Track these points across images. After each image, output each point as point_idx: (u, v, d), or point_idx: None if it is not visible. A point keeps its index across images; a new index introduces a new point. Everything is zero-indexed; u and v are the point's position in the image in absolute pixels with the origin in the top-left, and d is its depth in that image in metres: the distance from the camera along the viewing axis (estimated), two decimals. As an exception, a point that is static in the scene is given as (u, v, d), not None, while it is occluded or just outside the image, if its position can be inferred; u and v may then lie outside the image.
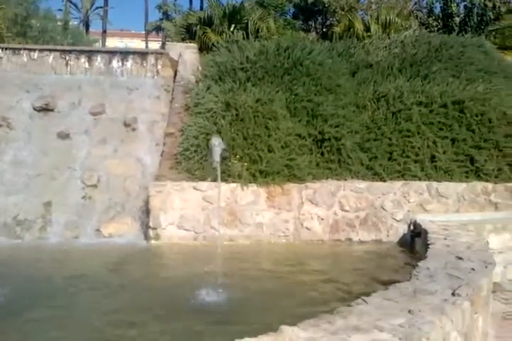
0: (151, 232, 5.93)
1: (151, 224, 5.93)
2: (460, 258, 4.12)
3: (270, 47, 7.66)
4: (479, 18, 17.08)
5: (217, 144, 5.14)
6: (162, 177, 6.13)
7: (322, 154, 6.63)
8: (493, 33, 17.57)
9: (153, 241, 5.91)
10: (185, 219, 5.95)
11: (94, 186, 6.52)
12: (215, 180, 5.76)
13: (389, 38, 9.29)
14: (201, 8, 19.49)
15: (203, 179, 6.01)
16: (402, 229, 6.23)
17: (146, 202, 6.06)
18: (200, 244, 5.82)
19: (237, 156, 6.16)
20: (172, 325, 3.56)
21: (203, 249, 5.49)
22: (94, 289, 4.36)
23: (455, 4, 17.43)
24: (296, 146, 6.51)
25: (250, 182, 6.09)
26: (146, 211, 6.06)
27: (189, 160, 6.26)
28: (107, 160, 6.75)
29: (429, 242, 4.81)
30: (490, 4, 17.58)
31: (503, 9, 17.68)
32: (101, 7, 38.09)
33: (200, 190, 5.96)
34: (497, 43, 13.90)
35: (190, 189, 5.97)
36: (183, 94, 7.12)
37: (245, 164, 6.15)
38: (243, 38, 9.71)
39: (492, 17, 17.18)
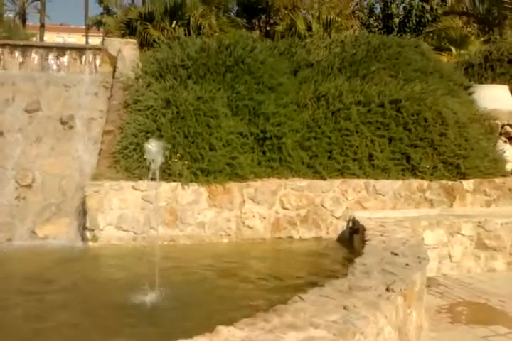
0: (88, 233, 5.78)
1: (88, 225, 5.78)
2: (395, 254, 4.23)
3: (212, 45, 7.60)
4: (418, 20, 17.61)
5: (154, 144, 5.06)
6: (100, 176, 5.98)
7: (264, 153, 6.65)
8: (431, 34, 18.16)
9: (90, 243, 5.75)
10: (123, 220, 5.83)
11: (29, 186, 6.30)
12: (154, 179, 5.67)
13: (330, 38, 9.43)
14: (143, 3, 19.19)
15: (143, 178, 5.91)
16: (342, 226, 6.34)
17: (83, 203, 5.89)
18: (140, 245, 5.70)
19: (178, 155, 6.09)
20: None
21: (142, 250, 5.39)
22: (20, 293, 4.21)
23: (395, 5, 17.89)
24: (237, 145, 6.49)
25: (191, 181, 6.03)
26: (83, 211, 5.89)
27: (128, 159, 6.14)
28: (43, 159, 6.52)
29: (366, 239, 4.91)
30: (428, 6, 18.16)
31: (440, 11, 18.30)
32: (38, 0, 36.87)
33: (140, 190, 5.85)
34: (433, 44, 14.36)
35: (129, 188, 5.85)
36: (122, 91, 6.97)
37: (186, 162, 6.08)
38: (185, 35, 9.62)
39: (430, 19, 17.73)
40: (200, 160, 6.17)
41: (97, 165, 6.29)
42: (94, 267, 5.23)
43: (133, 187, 5.87)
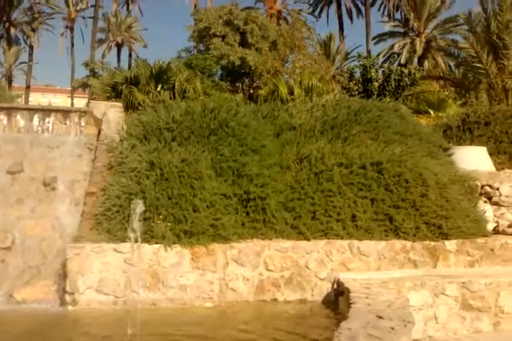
0: (67, 297, 5.63)
1: (67, 288, 5.64)
2: (381, 318, 4.18)
3: (196, 108, 7.78)
4: (396, 83, 18.29)
5: (137, 206, 5.06)
6: (81, 238, 5.92)
7: (247, 214, 6.67)
8: (409, 97, 18.79)
9: (70, 307, 5.60)
10: (104, 283, 5.71)
11: (8, 248, 6.19)
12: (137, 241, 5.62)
13: (311, 102, 9.70)
14: (129, 67, 19.70)
15: (125, 240, 5.85)
16: (326, 287, 6.26)
17: (64, 265, 5.78)
18: (121, 309, 5.56)
19: (161, 216, 6.08)
20: None
21: (123, 314, 5.25)
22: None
23: (374, 70, 18.59)
24: (221, 206, 6.51)
25: (174, 243, 5.98)
26: (64, 274, 5.77)
27: (111, 221, 6.10)
28: (23, 220, 6.45)
29: (351, 301, 4.85)
30: (406, 71, 18.91)
31: (418, 76, 19.04)
32: (25, 62, 37.71)
33: (122, 252, 5.77)
34: (412, 107, 14.83)
35: (110, 251, 5.78)
36: (106, 153, 7.03)
37: (169, 224, 6.06)
38: (170, 98, 9.85)
39: (408, 82, 18.42)
40: (184, 222, 6.15)
41: (78, 227, 6.23)
42: (69, 335, 5.04)
43: (115, 250, 5.79)
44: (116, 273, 5.76)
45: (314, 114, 8.59)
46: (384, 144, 7.67)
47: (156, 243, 5.93)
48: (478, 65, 18.27)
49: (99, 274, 5.73)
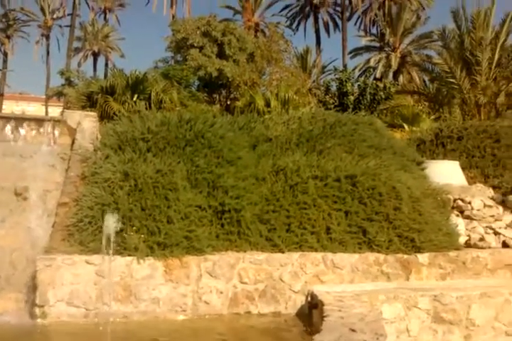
0: (37, 310, 5.51)
1: (37, 301, 5.52)
2: (353, 331, 4.19)
3: (172, 119, 7.74)
4: (372, 97, 18.57)
5: (110, 218, 5.01)
6: (52, 249, 5.82)
7: (222, 225, 6.63)
8: (384, 111, 19.07)
9: (39, 320, 5.48)
10: (75, 296, 5.61)
11: (-23, 259, 6.05)
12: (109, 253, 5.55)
13: (288, 114, 9.76)
14: (105, 76, 19.60)
15: (97, 252, 5.77)
16: (300, 300, 6.25)
17: (34, 277, 5.67)
18: (92, 322, 5.47)
19: (134, 228, 6.01)
20: None
21: (94, 327, 5.16)
22: None
23: (350, 84, 18.83)
24: (196, 218, 6.47)
25: (147, 255, 5.91)
26: (34, 286, 5.66)
27: (83, 232, 6.01)
28: (-7, 231, 6.33)
29: (324, 314, 4.85)
30: (381, 85, 19.22)
31: (393, 90, 19.36)
32: (-1, 69, 37.26)
33: (94, 264, 5.69)
34: (387, 121, 15.03)
35: (82, 263, 5.69)
36: (79, 163, 6.95)
37: (142, 236, 6.00)
38: (146, 109, 9.81)
39: (383, 97, 18.71)
40: (157, 234, 6.09)
41: (50, 238, 6.12)
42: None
43: (86, 262, 5.71)
44: (87, 286, 5.67)
45: (290, 126, 8.64)
46: (358, 157, 7.74)
47: (129, 255, 5.86)
48: (452, 80, 18.65)
49: (70, 286, 5.63)
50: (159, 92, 11.80)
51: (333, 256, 6.50)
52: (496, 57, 18.47)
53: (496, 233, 7.67)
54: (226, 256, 6.22)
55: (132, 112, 8.58)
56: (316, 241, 6.66)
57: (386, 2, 44.02)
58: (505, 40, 18.75)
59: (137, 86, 11.95)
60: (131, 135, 7.31)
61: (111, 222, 4.99)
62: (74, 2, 44.94)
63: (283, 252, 6.47)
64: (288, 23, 46.36)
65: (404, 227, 6.92)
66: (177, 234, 6.11)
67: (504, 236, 7.61)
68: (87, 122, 7.52)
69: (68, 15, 49.10)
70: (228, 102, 20.54)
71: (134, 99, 11.29)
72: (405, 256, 6.73)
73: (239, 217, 6.62)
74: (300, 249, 6.58)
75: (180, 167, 6.87)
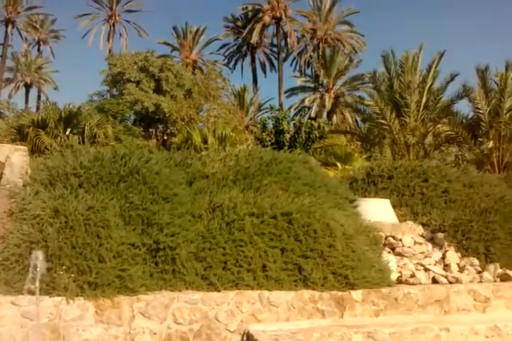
0: (-47, 357, 5.16)
1: (-46, 346, 5.18)
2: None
3: (106, 154, 7.61)
4: (307, 136, 19.06)
5: (37, 257, 4.80)
6: (-26, 291, 5.49)
7: (156, 264, 6.49)
8: (319, 149, 19.59)
9: (-46, 368, 5.12)
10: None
11: None
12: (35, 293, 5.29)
13: (225, 151, 9.83)
14: (37, 109, 19.14)
15: (23, 293, 5.48)
16: (236, 340, 6.15)
17: (-48, 320, 5.32)
18: (14, 368, 5.16)
19: (64, 267, 5.78)
20: None
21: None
22: None
23: (286, 122, 19.29)
24: (129, 256, 6.29)
25: (77, 295, 5.68)
26: (-49, 331, 5.30)
27: (9, 271, 5.71)
28: None
29: (260, 355, 4.78)
30: (316, 124, 19.80)
31: (327, 129, 19.98)
32: None
33: (20, 305, 5.40)
34: (321, 160, 15.42)
35: (7, 304, 5.39)
36: (7, 199, 6.66)
37: (73, 275, 5.76)
38: (79, 143, 9.61)
39: (317, 135, 19.25)
40: (88, 273, 5.87)
41: (-28, 279, 5.78)
42: None
43: (12, 303, 5.41)
44: (12, 329, 5.36)
45: (227, 163, 8.68)
46: (294, 195, 7.84)
47: (58, 295, 5.60)
48: (383, 121, 19.48)
49: (-8, 330, 5.30)
50: (93, 126, 11.63)
51: (269, 294, 6.47)
52: (424, 100, 19.51)
53: (425, 269, 7.90)
54: (160, 296, 6.07)
55: (64, 147, 8.36)
56: (252, 278, 6.61)
57: (320, 45, 45.90)
58: (432, 83, 19.88)
59: (70, 120, 11.74)
60: (62, 170, 7.11)
61: (39, 261, 4.77)
62: (6, 32, 44.06)
63: (219, 291, 6.38)
64: (225, 61, 47.34)
65: (338, 264, 7.00)
66: (109, 273, 5.92)
67: (434, 272, 7.84)
68: (16, 156, 7.27)
69: (-1, 44, 48.00)
70: (165, 137, 20.49)
71: (67, 133, 11.06)
72: (339, 293, 6.79)
73: (174, 255, 6.50)
74: (236, 287, 6.51)
75: (113, 203, 6.72)
